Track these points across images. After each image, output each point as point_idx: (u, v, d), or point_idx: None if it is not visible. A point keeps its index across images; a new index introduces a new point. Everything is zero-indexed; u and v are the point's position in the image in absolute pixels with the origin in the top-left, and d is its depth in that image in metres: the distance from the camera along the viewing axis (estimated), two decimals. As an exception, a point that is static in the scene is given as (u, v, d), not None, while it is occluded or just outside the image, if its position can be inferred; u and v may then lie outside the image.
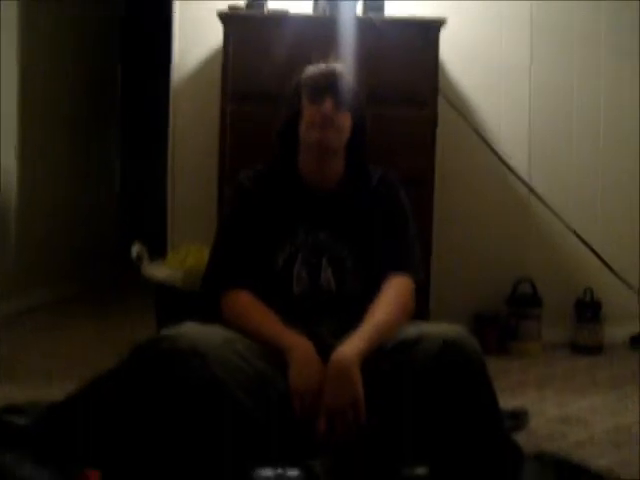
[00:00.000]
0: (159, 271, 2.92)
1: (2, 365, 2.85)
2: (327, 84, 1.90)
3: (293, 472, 1.58)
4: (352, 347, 1.70)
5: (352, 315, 1.81)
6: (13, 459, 1.73)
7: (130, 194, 6.03)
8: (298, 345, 1.74)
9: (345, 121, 1.92)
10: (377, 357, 1.70)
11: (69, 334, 3.49)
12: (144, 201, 5.88)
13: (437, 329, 1.69)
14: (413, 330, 1.72)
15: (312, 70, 1.96)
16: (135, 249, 2.97)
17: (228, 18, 2.89)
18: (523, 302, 3.35)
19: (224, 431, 1.56)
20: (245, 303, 1.86)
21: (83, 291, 4.66)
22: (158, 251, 3.22)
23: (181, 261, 2.95)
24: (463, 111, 3.25)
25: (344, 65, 2.03)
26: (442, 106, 2.99)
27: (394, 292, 1.85)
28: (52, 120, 4.35)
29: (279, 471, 1.57)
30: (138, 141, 6.05)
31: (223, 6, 2.94)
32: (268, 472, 1.57)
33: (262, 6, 2.98)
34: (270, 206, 1.94)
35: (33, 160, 4.06)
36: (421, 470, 1.60)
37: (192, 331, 1.64)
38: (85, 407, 1.79)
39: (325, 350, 1.72)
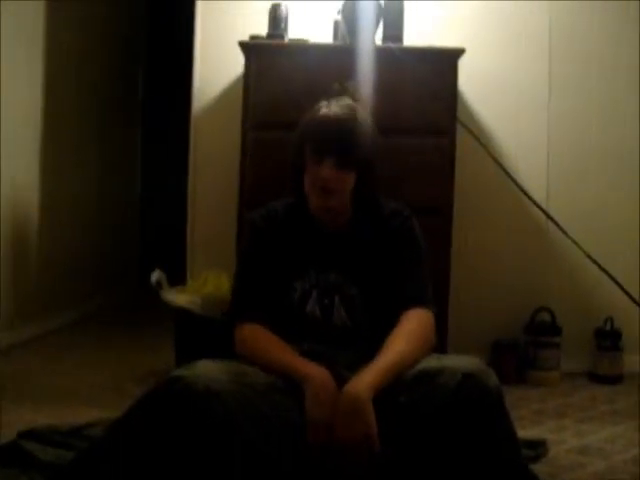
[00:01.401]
0: (178, 297, 2.95)
1: (23, 387, 2.87)
2: (330, 141, 1.83)
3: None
4: (365, 380, 1.69)
5: (367, 349, 1.81)
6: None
7: (150, 220, 6.09)
8: (315, 374, 1.73)
9: (347, 181, 1.87)
10: (395, 388, 1.70)
11: (88, 357, 3.51)
12: (164, 227, 5.92)
13: (457, 362, 1.68)
14: (433, 363, 1.71)
15: (317, 119, 1.89)
16: (155, 275, 3.00)
17: (249, 47, 2.94)
18: (542, 331, 3.33)
19: (235, 470, 1.56)
20: (260, 336, 1.86)
21: (103, 314, 4.70)
22: (178, 278, 3.25)
23: (200, 287, 2.97)
24: (482, 140, 3.26)
25: (356, 100, 1.96)
26: (460, 135, 3.00)
27: (413, 325, 1.83)
28: (73, 141, 4.40)
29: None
30: (159, 168, 6.11)
31: (244, 35, 2.98)
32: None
33: (283, 35, 3.03)
34: (282, 245, 1.94)
35: (54, 183, 4.09)
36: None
37: (205, 370, 1.64)
38: (105, 450, 1.79)
39: (340, 383, 1.72)
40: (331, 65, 2.81)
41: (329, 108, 1.89)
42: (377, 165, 1.94)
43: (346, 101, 1.92)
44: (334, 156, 1.83)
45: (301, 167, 1.90)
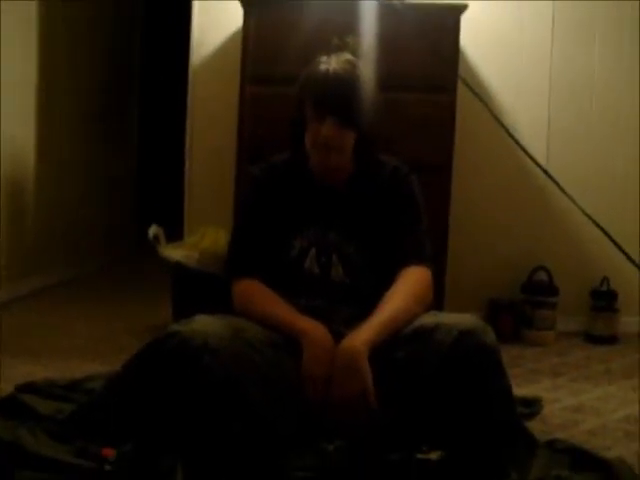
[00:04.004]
0: (175, 252, 2.95)
1: (21, 342, 2.89)
2: (331, 98, 1.81)
3: (308, 454, 1.59)
4: (361, 336, 1.69)
5: (364, 306, 1.81)
6: (28, 435, 1.75)
7: (148, 176, 6.06)
8: (312, 329, 1.74)
9: (348, 139, 1.85)
10: (392, 345, 1.70)
11: (87, 312, 3.52)
12: (161, 183, 5.90)
13: (454, 319, 1.69)
14: (430, 319, 1.72)
15: (317, 76, 1.85)
16: (152, 230, 3.00)
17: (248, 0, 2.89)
18: (539, 290, 3.34)
19: (233, 426, 1.57)
20: (257, 291, 1.86)
21: (100, 270, 4.70)
22: (175, 233, 3.24)
23: (197, 242, 2.97)
24: (483, 98, 3.23)
25: (356, 56, 1.93)
26: (461, 92, 2.98)
27: (411, 282, 1.84)
28: (71, 99, 4.36)
29: (294, 454, 1.58)
30: (156, 123, 6.08)
31: (243, -12, 2.93)
32: (284, 455, 1.58)
33: (283, -12, 2.97)
34: (282, 201, 1.93)
35: (52, 139, 4.07)
36: (434, 455, 1.61)
37: (202, 325, 1.64)
38: (106, 399, 1.80)
39: (337, 339, 1.73)
40: (332, 19, 2.77)
41: (329, 64, 1.85)
42: (378, 122, 1.93)
43: (346, 56, 1.89)
44: (335, 114, 1.80)
45: (301, 123, 1.88)
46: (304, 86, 1.89)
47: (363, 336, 1.69)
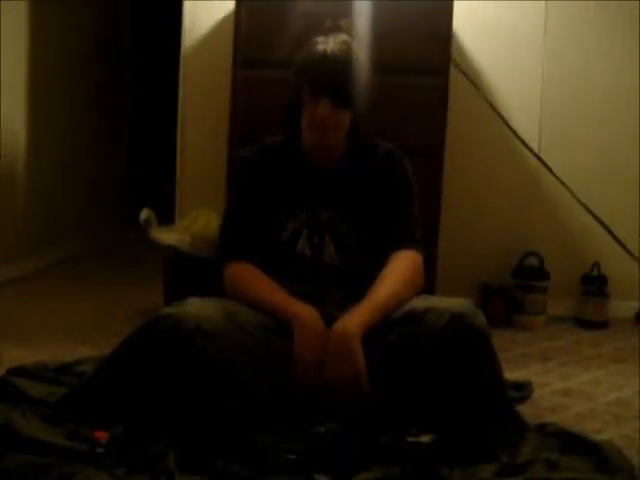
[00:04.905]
0: (167, 235, 2.94)
1: (11, 325, 2.88)
2: (327, 79, 1.82)
3: (299, 437, 1.60)
4: (354, 319, 1.70)
5: (356, 289, 1.81)
6: (20, 418, 1.75)
7: (139, 160, 6.03)
8: (303, 312, 1.74)
9: (344, 119, 1.87)
10: (384, 328, 1.71)
11: (78, 296, 3.51)
12: (153, 166, 5.88)
13: (445, 303, 1.70)
14: (421, 303, 1.72)
15: (314, 55, 1.87)
16: (144, 213, 2.99)
17: (240, -17, 2.87)
18: (529, 275, 3.35)
19: (225, 408, 1.58)
20: (249, 274, 1.86)
21: (91, 253, 4.69)
22: (167, 216, 3.23)
23: (189, 225, 2.96)
24: (475, 81, 3.22)
25: (350, 37, 1.94)
26: (454, 75, 2.97)
27: (401, 266, 1.84)
28: (60, 82, 4.33)
29: (285, 436, 1.58)
30: (147, 106, 6.04)
31: (235, -30, 2.91)
32: (275, 437, 1.59)
33: (275, -29, 2.95)
34: (274, 183, 1.93)
35: (41, 123, 4.04)
36: (425, 438, 1.62)
37: (195, 308, 1.64)
38: (98, 382, 1.80)
39: (329, 323, 1.73)
40: (325, 2, 2.75)
41: (326, 44, 1.86)
42: (372, 104, 1.93)
43: (343, 37, 1.90)
44: (330, 95, 1.81)
45: (298, 103, 1.88)
46: (301, 67, 1.89)
47: (356, 319, 1.70)
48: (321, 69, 1.84)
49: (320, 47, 1.86)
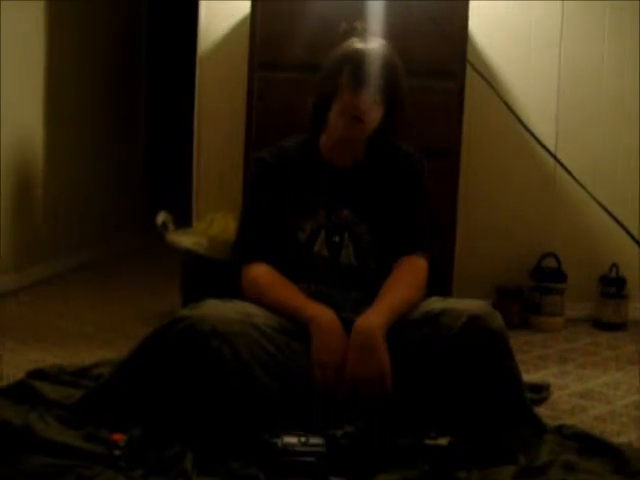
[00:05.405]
0: (184, 239, 2.95)
1: (30, 329, 2.90)
2: (370, 71, 1.84)
3: (316, 440, 1.59)
4: (375, 317, 1.70)
5: (371, 290, 1.81)
6: (38, 420, 1.76)
7: (156, 163, 6.05)
8: (321, 315, 1.74)
9: (377, 114, 1.88)
10: (400, 329, 1.71)
11: (95, 299, 3.53)
12: (170, 170, 5.89)
13: (462, 304, 1.69)
14: (438, 305, 1.72)
15: (359, 47, 1.89)
16: (161, 217, 3.00)
17: (256, -15, 2.87)
18: (547, 276, 3.33)
19: (242, 410, 1.58)
20: (266, 276, 1.86)
21: (108, 257, 4.71)
22: (184, 220, 3.24)
23: (206, 229, 2.97)
24: (491, 82, 3.21)
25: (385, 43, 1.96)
26: (470, 78, 2.96)
27: (412, 271, 1.85)
28: (78, 85, 4.35)
29: (302, 439, 1.58)
30: (164, 109, 6.06)
31: (251, -27, 2.91)
32: (292, 440, 1.58)
33: (290, -26, 2.96)
34: (291, 184, 1.93)
35: (60, 126, 4.07)
36: (443, 441, 1.62)
37: (211, 310, 1.64)
38: (115, 384, 1.81)
39: (346, 325, 1.72)
40: (340, 4, 2.75)
41: (366, 42, 1.90)
42: (405, 106, 1.93)
43: (381, 40, 1.92)
44: (372, 88, 1.82)
45: (330, 93, 1.87)
46: (343, 57, 1.89)
47: (377, 317, 1.70)
48: (365, 61, 1.86)
49: (359, 45, 1.89)
